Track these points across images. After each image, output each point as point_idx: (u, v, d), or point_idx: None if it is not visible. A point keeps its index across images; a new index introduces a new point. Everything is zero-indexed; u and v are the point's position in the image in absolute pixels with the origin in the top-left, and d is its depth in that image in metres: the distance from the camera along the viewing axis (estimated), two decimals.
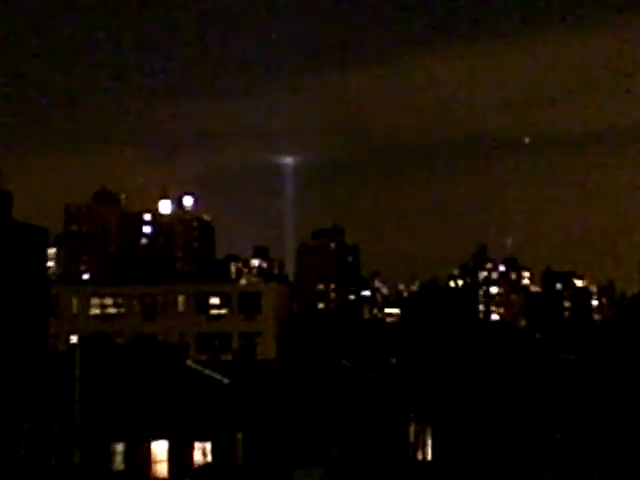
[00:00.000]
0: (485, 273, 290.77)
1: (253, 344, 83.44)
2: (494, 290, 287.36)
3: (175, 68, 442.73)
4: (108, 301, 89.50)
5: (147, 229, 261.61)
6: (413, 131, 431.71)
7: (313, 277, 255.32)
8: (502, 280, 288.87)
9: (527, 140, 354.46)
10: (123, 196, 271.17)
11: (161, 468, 48.78)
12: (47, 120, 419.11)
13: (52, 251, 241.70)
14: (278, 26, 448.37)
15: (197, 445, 48.97)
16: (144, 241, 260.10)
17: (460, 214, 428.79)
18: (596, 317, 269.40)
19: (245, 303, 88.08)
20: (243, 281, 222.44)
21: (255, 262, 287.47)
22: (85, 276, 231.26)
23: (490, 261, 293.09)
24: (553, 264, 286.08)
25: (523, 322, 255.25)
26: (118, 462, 48.75)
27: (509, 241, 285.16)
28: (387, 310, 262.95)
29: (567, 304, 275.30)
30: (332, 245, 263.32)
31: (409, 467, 52.95)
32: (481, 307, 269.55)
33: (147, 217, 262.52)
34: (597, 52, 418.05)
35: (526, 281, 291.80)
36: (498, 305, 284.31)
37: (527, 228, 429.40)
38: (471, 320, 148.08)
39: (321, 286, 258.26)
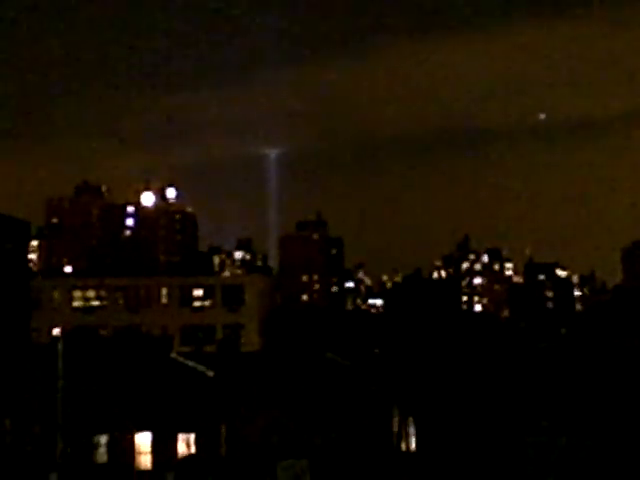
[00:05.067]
0: (468, 264, 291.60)
1: (237, 336, 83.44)
2: (477, 281, 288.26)
3: (156, 60, 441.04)
4: (91, 293, 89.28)
5: (130, 221, 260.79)
6: (395, 122, 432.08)
7: (296, 269, 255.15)
8: (485, 271, 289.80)
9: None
10: (105, 188, 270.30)
11: (145, 460, 48.74)
12: (28, 112, 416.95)
13: (34, 243, 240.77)
14: (260, 17, 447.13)
15: (181, 437, 48.95)
16: (127, 233, 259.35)
17: (443, 205, 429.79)
18: (578, 307, 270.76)
19: (228, 295, 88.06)
20: (226, 273, 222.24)
21: (238, 254, 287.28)
22: (67, 268, 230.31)
23: (473, 252, 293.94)
24: (536, 255, 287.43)
25: (506, 312, 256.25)
26: (101, 454, 48.68)
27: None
28: (371, 301, 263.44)
29: (550, 294, 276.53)
30: (315, 237, 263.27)
31: (393, 457, 53.10)
32: (464, 298, 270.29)
33: (130, 209, 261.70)
34: (580, 42, 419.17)
35: (509, 272, 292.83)
36: (481, 296, 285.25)
37: (510, 219, 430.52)
38: (454, 311, 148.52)
39: (305, 278, 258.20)
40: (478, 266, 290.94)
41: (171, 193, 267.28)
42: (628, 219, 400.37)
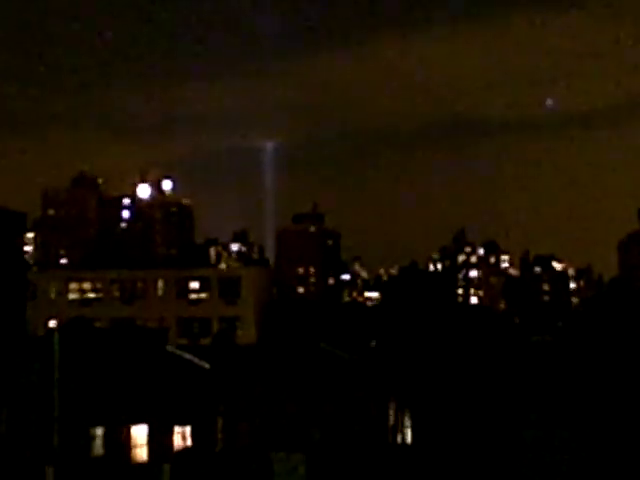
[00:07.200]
0: (464, 256, 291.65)
1: (233, 328, 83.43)
2: (473, 273, 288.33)
3: (152, 51, 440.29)
4: (87, 286, 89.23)
5: (126, 213, 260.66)
6: (392, 114, 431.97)
7: (293, 261, 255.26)
8: (481, 263, 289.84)
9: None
10: (101, 180, 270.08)
11: (141, 452, 48.73)
12: (24, 104, 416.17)
13: (30, 235, 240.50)
14: (256, 8, 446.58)
15: (177, 429, 48.94)
16: (123, 225, 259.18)
17: (440, 197, 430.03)
18: (574, 300, 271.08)
19: (225, 287, 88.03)
20: (223, 265, 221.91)
21: (235, 246, 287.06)
22: (63, 260, 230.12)
23: (469, 244, 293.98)
24: (532, 247, 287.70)
25: (502, 305, 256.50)
26: (97, 446, 48.65)
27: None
28: (367, 294, 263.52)
29: (546, 287, 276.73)
30: (312, 229, 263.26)
31: (389, 450, 53.14)
32: (460, 290, 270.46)
33: (126, 201, 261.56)
34: (576, 34, 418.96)
35: (505, 264, 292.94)
36: (477, 288, 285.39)
37: (506, 211, 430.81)
38: (450, 303, 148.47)
39: (301, 270, 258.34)
40: (474, 259, 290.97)
41: (167, 185, 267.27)
42: (625, 212, 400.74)
